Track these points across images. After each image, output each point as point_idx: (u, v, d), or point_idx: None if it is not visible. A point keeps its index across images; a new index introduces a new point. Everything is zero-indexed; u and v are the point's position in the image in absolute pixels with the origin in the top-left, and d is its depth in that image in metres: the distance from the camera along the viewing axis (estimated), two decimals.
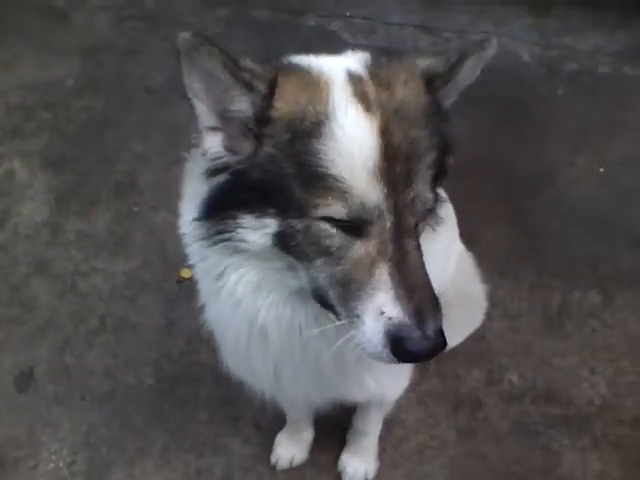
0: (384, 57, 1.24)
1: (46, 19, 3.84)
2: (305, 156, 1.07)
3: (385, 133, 1.08)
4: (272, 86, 1.11)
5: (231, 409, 2.34)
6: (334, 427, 2.25)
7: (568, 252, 2.76)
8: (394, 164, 1.08)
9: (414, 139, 1.12)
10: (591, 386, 2.41)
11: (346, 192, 1.06)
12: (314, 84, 1.12)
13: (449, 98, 1.27)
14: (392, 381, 1.72)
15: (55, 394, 2.41)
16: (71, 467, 2.22)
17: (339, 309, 1.15)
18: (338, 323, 1.17)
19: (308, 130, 1.07)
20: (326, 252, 1.12)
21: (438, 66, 1.22)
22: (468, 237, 2.14)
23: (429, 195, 1.15)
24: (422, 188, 1.13)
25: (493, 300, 2.39)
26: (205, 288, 1.43)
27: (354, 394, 1.66)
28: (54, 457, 2.24)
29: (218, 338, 1.59)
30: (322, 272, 1.15)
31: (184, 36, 1.03)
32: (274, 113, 1.10)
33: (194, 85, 1.10)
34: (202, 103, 1.12)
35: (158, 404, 2.38)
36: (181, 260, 2.64)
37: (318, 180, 1.07)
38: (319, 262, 1.14)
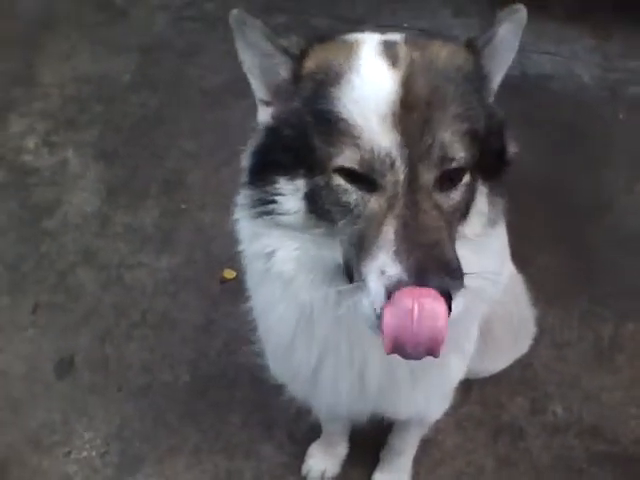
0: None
1: (105, 15, 3.90)
2: (323, 104, 1.08)
3: (407, 82, 1.05)
4: (305, 50, 1.16)
5: (266, 414, 2.31)
6: (369, 444, 2.20)
7: (623, 282, 2.66)
8: (412, 111, 1.04)
9: (439, 90, 1.07)
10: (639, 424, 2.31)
11: (358, 138, 1.04)
12: (346, 46, 1.14)
13: (493, 69, 1.22)
14: (436, 399, 1.65)
15: (92, 383, 2.42)
16: (103, 457, 2.23)
17: (356, 272, 1.07)
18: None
19: (329, 80, 1.09)
20: (346, 210, 1.09)
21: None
22: (520, 260, 2.06)
23: (456, 150, 1.06)
24: (446, 140, 1.05)
25: (541, 327, 2.31)
26: (253, 272, 1.37)
27: (397, 409, 1.61)
28: (87, 446, 2.25)
29: (261, 330, 1.55)
30: (344, 234, 1.10)
31: (234, 13, 1.13)
32: (303, 71, 1.14)
33: (246, 59, 1.17)
34: (254, 77, 1.19)
35: (192, 403, 2.37)
36: (225, 260, 2.70)
37: (333, 127, 1.06)
38: (341, 223, 1.10)
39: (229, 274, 2.65)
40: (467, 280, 1.02)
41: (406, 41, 1.15)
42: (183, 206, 3.00)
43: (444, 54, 1.13)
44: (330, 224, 1.13)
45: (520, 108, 2.76)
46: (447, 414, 1.84)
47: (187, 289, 2.71)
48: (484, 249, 1.23)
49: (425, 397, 1.53)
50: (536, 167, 2.78)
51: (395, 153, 1.03)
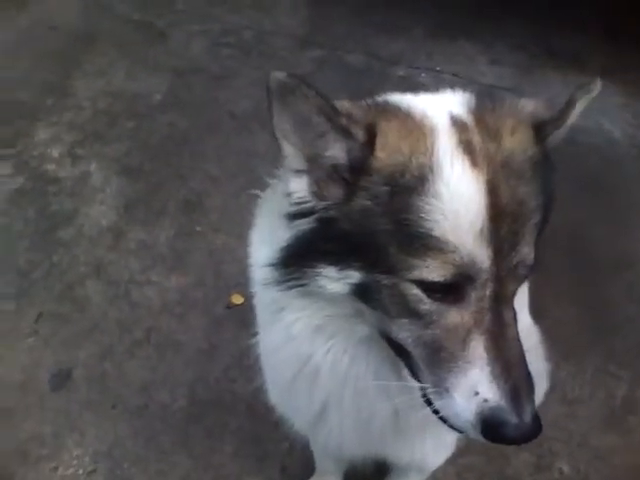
0: (487, 99, 1.14)
1: (144, 35, 3.97)
2: (405, 214, 0.98)
3: (493, 191, 0.99)
4: (372, 133, 1.01)
5: (259, 446, 2.25)
6: None
7: None
8: (501, 226, 0.99)
9: (522, 197, 1.02)
10: None
11: (448, 254, 0.97)
12: (417, 131, 1.03)
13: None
14: (441, 448, 1.61)
15: (88, 399, 2.37)
16: (90, 476, 2.17)
17: (423, 370, 1.07)
18: (413, 385, 1.09)
19: (410, 185, 0.98)
20: (413, 314, 1.04)
21: (545, 111, 1.12)
22: (536, 311, 2.00)
23: (531, 259, 1.05)
24: (526, 252, 1.03)
25: (553, 381, 2.22)
26: (262, 316, 1.37)
27: (399, 455, 1.55)
28: (75, 462, 2.20)
29: (265, 367, 1.51)
30: (406, 331, 1.06)
31: (278, 76, 0.95)
32: (374, 163, 1.01)
33: (284, 126, 1.01)
34: (291, 145, 1.03)
35: (186, 428, 2.31)
36: (234, 285, 2.67)
37: (418, 240, 0.97)
38: (404, 321, 1.05)
39: (237, 299, 2.62)
40: None
41: (476, 122, 1.06)
42: (198, 228, 2.99)
43: (516, 145, 1.05)
44: (379, 312, 1.08)
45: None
46: (448, 463, 1.77)
47: (194, 311, 2.67)
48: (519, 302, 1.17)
49: (430, 443, 1.49)
50: (559, 218, 2.69)
51: (487, 270, 1.00)
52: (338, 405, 1.30)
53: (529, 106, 1.13)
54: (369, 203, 1.01)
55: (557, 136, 1.13)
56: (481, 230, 0.97)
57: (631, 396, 2.43)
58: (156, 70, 3.76)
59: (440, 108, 1.08)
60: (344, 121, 1.00)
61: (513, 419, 0.97)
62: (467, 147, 1.01)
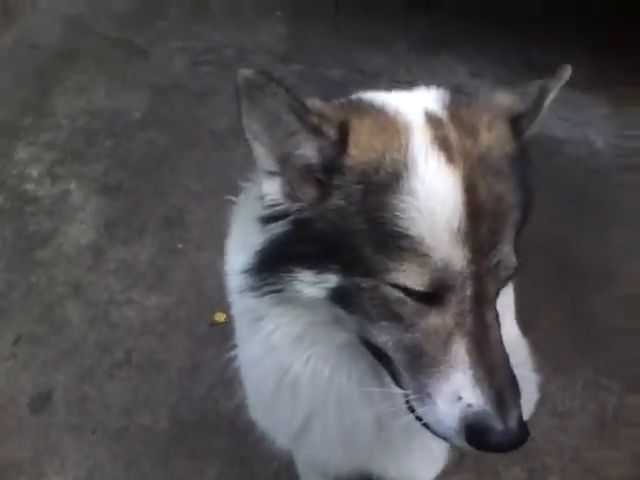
0: (462, 94, 1.12)
1: (125, 52, 3.94)
2: (379, 212, 0.95)
3: (470, 187, 0.96)
4: (344, 131, 0.99)
5: (244, 468, 2.19)
6: None
7: (630, 352, 2.53)
8: (479, 223, 0.96)
9: (499, 195, 0.99)
10: None
11: (425, 256, 0.94)
12: (390, 127, 1.00)
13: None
14: (429, 461, 1.55)
15: (67, 423, 2.31)
16: None
17: (404, 375, 1.03)
18: (394, 392, 1.05)
19: (384, 182, 0.96)
20: (394, 317, 1.00)
21: (521, 104, 1.09)
22: (524, 323, 1.97)
23: (513, 258, 1.02)
24: (507, 251, 1.00)
25: (543, 393, 2.18)
26: (240, 327, 1.33)
27: (386, 468, 1.50)
28: None
29: (244, 380, 1.47)
30: (386, 335, 1.02)
31: (245, 73, 0.93)
32: (347, 161, 0.98)
33: (254, 126, 0.99)
34: (262, 145, 1.01)
35: (168, 450, 2.25)
36: (217, 302, 2.61)
37: (393, 240, 0.94)
38: (384, 324, 1.01)
39: (219, 317, 2.57)
40: None
41: (451, 117, 1.03)
42: (180, 245, 2.94)
43: (493, 140, 1.02)
44: (358, 316, 1.04)
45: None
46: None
47: (176, 330, 2.62)
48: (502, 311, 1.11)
49: (417, 456, 1.44)
50: (544, 230, 2.69)
51: (465, 270, 0.96)
52: (321, 417, 1.26)
53: (505, 100, 1.11)
54: (343, 202, 0.98)
55: (532, 129, 1.11)
56: (458, 228, 0.94)
57: (622, 407, 2.40)
58: (136, 87, 3.72)
59: (414, 104, 1.06)
60: (315, 119, 0.98)
61: (498, 425, 0.94)
62: (443, 143, 0.98)
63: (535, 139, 1.15)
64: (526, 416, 2.12)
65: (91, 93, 3.65)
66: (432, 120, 1.02)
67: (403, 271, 0.95)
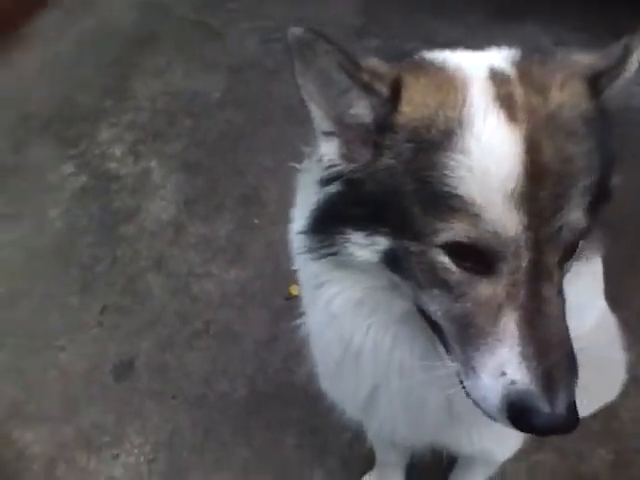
0: (537, 53, 1.03)
1: (201, 34, 4.01)
2: (429, 171, 0.90)
3: (532, 148, 0.88)
4: (396, 88, 0.95)
5: (319, 438, 2.20)
6: None
7: None
8: (540, 188, 0.88)
9: (569, 157, 0.91)
10: None
11: (476, 216, 0.88)
12: (448, 84, 0.94)
13: (613, 102, 1.04)
14: (504, 439, 1.49)
15: (149, 389, 2.39)
16: (151, 464, 2.18)
17: (454, 347, 0.98)
18: (449, 365, 1.00)
19: (436, 140, 0.91)
20: (443, 284, 0.95)
21: (602, 62, 1.00)
22: (614, 300, 1.86)
23: (582, 225, 0.93)
24: (573, 217, 0.92)
25: (633, 376, 2.07)
26: (305, 294, 1.32)
27: (458, 444, 1.45)
28: (136, 451, 2.21)
29: (313, 348, 1.46)
30: (437, 304, 0.97)
31: (295, 32, 0.91)
32: (398, 119, 0.94)
33: (308, 86, 0.96)
34: (317, 105, 0.99)
35: (246, 419, 2.29)
36: (292, 276, 2.63)
37: (442, 200, 0.89)
38: (434, 292, 0.97)
39: (294, 290, 2.58)
40: None
41: (520, 75, 0.96)
42: (256, 221, 2.97)
43: (566, 99, 0.94)
44: (412, 283, 1.00)
45: (621, 139, 2.54)
46: (518, 459, 1.67)
47: (253, 303, 2.66)
48: (571, 287, 1.03)
49: (490, 433, 1.37)
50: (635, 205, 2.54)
51: (520, 237, 0.89)
52: (386, 389, 1.23)
53: (584, 59, 1.02)
54: (393, 162, 0.94)
55: (616, 90, 1.01)
56: (513, 191, 0.87)
57: None
58: (213, 68, 3.79)
59: (479, 62, 0.99)
60: (366, 77, 0.94)
61: (544, 406, 0.87)
62: (506, 100, 0.91)
63: (624, 108, 1.06)
64: (613, 397, 2.03)
65: (170, 75, 3.75)
66: (496, 77, 0.95)
67: (452, 229, 0.90)
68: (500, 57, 1.01)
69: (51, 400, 2.34)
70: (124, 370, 2.43)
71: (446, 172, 0.88)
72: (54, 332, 2.55)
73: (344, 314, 1.13)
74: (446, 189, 0.89)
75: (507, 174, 0.87)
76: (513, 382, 0.88)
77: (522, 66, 0.98)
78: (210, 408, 2.33)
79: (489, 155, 0.87)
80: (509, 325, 0.90)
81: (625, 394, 2.06)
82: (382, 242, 0.98)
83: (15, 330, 2.56)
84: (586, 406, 1.97)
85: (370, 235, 0.98)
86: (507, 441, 1.54)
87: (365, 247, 1.00)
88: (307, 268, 1.17)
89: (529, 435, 1.57)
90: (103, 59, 3.83)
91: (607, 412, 2.09)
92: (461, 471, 1.87)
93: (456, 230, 0.89)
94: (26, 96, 3.62)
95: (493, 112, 0.90)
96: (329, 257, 1.05)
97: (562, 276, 0.96)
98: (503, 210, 0.88)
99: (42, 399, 2.34)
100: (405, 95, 0.95)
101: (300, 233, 1.08)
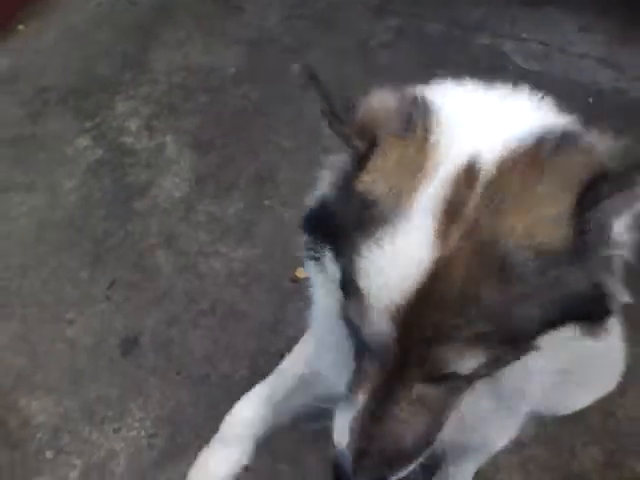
0: (567, 135, 0.87)
1: (221, 8, 3.98)
2: (353, 248, 0.89)
3: (439, 274, 0.81)
4: (366, 152, 0.93)
5: (318, 422, 2.22)
6: None
7: None
8: (422, 315, 0.83)
9: (476, 297, 0.80)
10: None
11: (364, 309, 0.89)
12: (415, 165, 0.87)
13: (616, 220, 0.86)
14: (498, 428, 1.49)
15: (154, 365, 2.44)
16: (151, 439, 2.23)
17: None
18: None
19: (374, 217, 0.87)
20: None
21: (611, 160, 0.81)
22: None
23: (463, 369, 0.88)
24: (451, 359, 0.86)
25: (631, 372, 2.05)
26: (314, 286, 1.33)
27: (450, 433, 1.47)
28: (137, 425, 2.26)
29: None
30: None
31: (294, 69, 0.99)
32: (357, 185, 0.92)
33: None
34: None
35: None
36: (299, 259, 2.64)
37: (350, 278, 0.91)
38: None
39: (301, 273, 2.60)
40: None
41: (495, 180, 0.82)
42: (267, 202, 2.98)
43: (527, 231, 0.79)
44: None
45: None
46: (511, 452, 1.68)
47: (259, 283, 2.68)
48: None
49: (489, 424, 1.38)
50: None
51: (390, 348, 0.90)
52: None
53: (602, 153, 0.83)
54: (351, 215, 0.95)
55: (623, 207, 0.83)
56: (397, 305, 0.84)
57: None
58: (232, 43, 3.76)
59: (464, 145, 0.86)
60: (347, 130, 0.95)
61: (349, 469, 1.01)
62: (451, 211, 0.82)
63: None
64: (610, 388, 2.00)
65: (188, 48, 3.73)
66: (468, 174, 0.84)
67: (349, 306, 0.95)
68: (493, 144, 0.86)
69: (58, 371, 2.39)
70: (130, 345, 2.48)
71: (359, 253, 0.88)
72: (64, 304, 2.60)
73: (325, 319, 1.17)
74: (356, 268, 0.89)
75: (396, 291, 0.84)
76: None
77: (506, 168, 0.83)
78: (212, 386, 2.37)
79: (391, 261, 0.84)
80: (359, 399, 0.98)
81: (621, 393, 2.05)
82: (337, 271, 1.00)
83: (25, 300, 2.61)
84: (585, 394, 1.97)
85: (334, 258, 1.01)
86: (500, 428, 1.55)
87: (333, 264, 1.02)
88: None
89: (523, 431, 1.59)
90: (122, 30, 3.82)
91: (603, 409, 2.10)
92: (452, 459, 1.88)
93: (351, 309, 0.93)
94: (43, 67, 3.64)
95: (426, 220, 0.82)
96: (314, 260, 1.07)
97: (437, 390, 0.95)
98: (379, 318, 0.88)
99: (49, 370, 2.39)
100: (370, 165, 0.92)
101: (299, 227, 1.12)
